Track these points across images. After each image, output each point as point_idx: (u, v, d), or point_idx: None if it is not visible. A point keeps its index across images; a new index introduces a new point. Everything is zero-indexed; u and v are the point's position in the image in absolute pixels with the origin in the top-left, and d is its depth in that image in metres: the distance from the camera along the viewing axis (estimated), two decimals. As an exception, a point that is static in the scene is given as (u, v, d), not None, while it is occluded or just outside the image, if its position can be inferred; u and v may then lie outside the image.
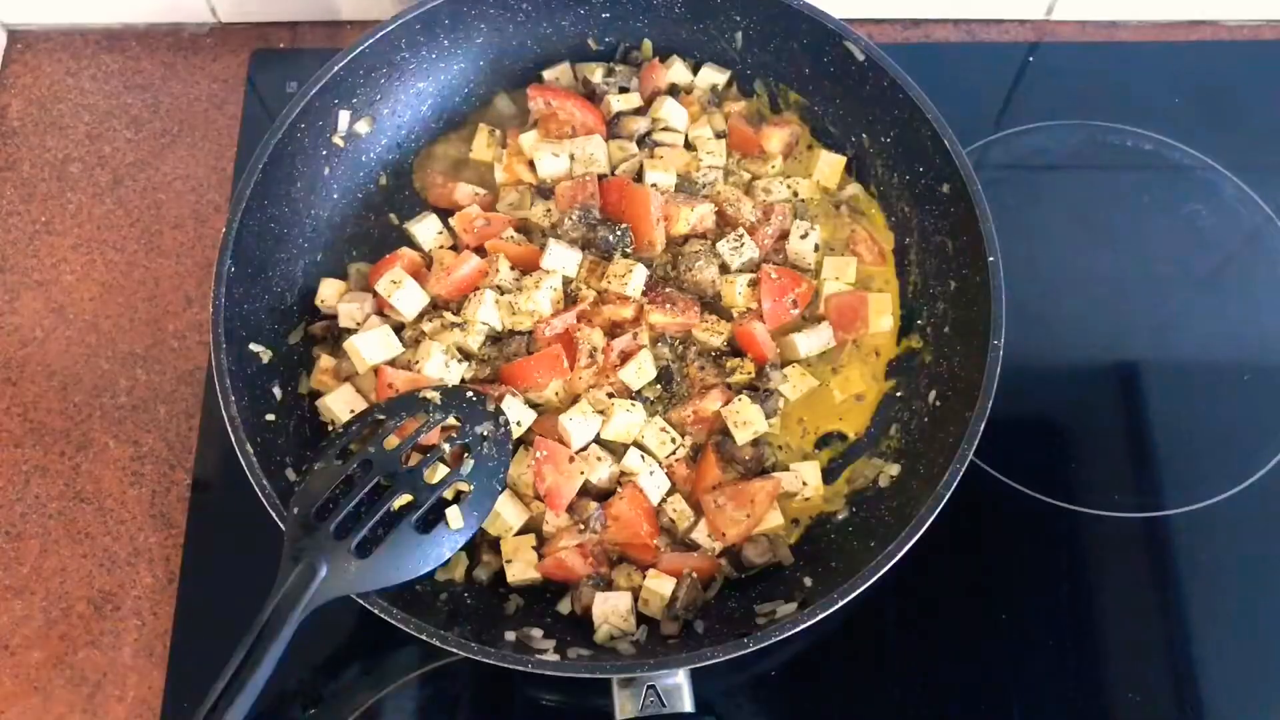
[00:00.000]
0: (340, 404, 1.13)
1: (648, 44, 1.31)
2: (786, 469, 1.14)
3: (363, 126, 1.23)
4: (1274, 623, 1.14)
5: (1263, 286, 1.31)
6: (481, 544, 1.10)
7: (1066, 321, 1.27)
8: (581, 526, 1.08)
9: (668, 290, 1.18)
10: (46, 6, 1.43)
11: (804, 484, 1.12)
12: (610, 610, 1.05)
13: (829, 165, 1.25)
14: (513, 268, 1.18)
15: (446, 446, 1.05)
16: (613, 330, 1.16)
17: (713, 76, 1.30)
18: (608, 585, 1.09)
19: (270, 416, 1.09)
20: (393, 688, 1.10)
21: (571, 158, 1.24)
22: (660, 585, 1.06)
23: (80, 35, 1.46)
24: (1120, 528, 1.18)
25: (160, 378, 1.25)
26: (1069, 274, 1.30)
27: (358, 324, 1.17)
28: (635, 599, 1.07)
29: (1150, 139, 1.38)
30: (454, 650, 0.94)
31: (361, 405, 1.13)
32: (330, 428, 1.14)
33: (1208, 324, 1.29)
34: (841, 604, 0.95)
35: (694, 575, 1.07)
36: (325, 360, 1.16)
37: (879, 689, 1.12)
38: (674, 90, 1.30)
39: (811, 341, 1.18)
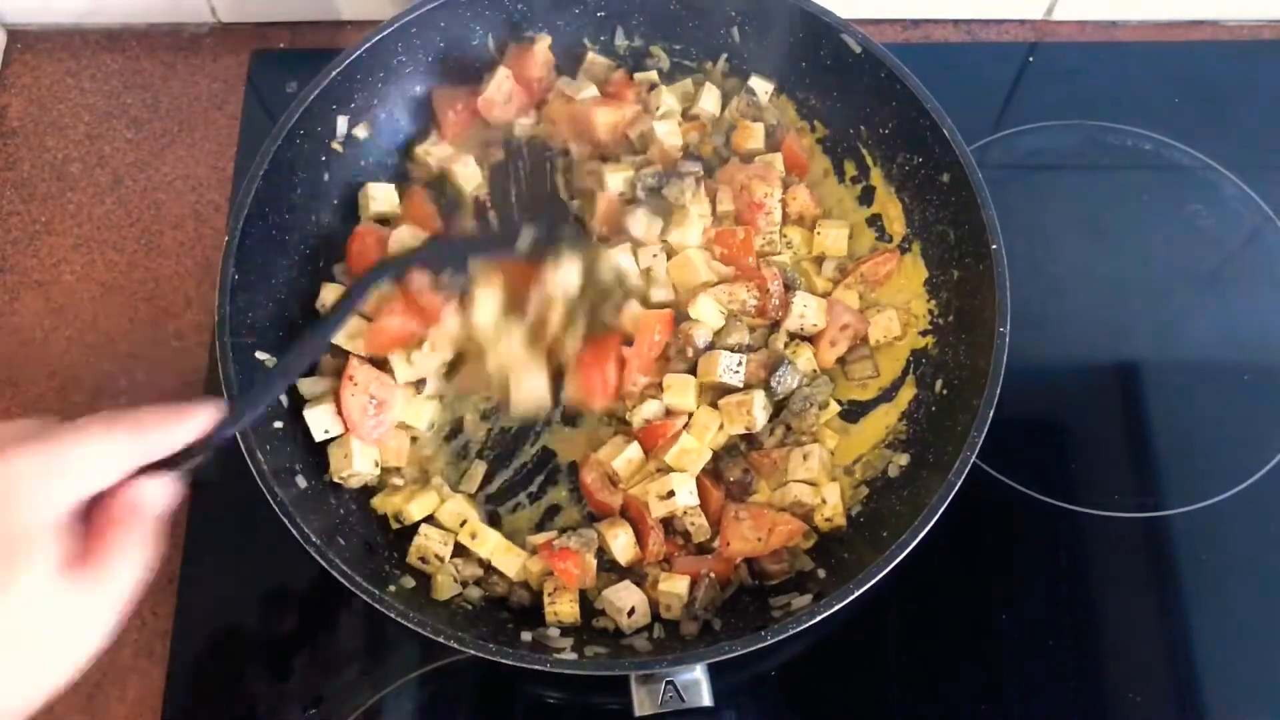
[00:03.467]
0: (320, 420, 1.11)
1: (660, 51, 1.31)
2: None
3: (361, 131, 1.23)
4: (1274, 623, 1.14)
5: (1263, 286, 1.31)
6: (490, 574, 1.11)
7: (1066, 321, 1.27)
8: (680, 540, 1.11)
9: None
10: (46, 6, 1.43)
11: (823, 501, 1.11)
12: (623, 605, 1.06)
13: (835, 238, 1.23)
14: None
15: None
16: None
17: (759, 86, 1.28)
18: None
19: (278, 424, 1.09)
20: (393, 688, 1.10)
21: None
22: (676, 585, 1.06)
23: (80, 35, 1.46)
24: (1120, 528, 1.18)
25: (160, 378, 1.25)
26: (1069, 274, 1.30)
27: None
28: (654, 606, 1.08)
29: (1150, 139, 1.37)
30: (471, 652, 0.94)
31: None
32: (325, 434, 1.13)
33: (1208, 324, 1.29)
34: (857, 594, 0.95)
35: (711, 575, 1.07)
36: (325, 361, 1.16)
37: (878, 689, 1.12)
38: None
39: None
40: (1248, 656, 1.13)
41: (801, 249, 1.24)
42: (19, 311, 1.30)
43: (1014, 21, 1.47)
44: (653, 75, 1.30)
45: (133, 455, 0.68)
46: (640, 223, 1.20)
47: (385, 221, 1.23)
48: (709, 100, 1.28)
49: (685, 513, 1.10)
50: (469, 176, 1.27)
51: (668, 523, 1.11)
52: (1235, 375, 1.26)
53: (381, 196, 1.23)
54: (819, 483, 1.12)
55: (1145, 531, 1.18)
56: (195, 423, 0.73)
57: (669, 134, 1.24)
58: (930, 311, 1.19)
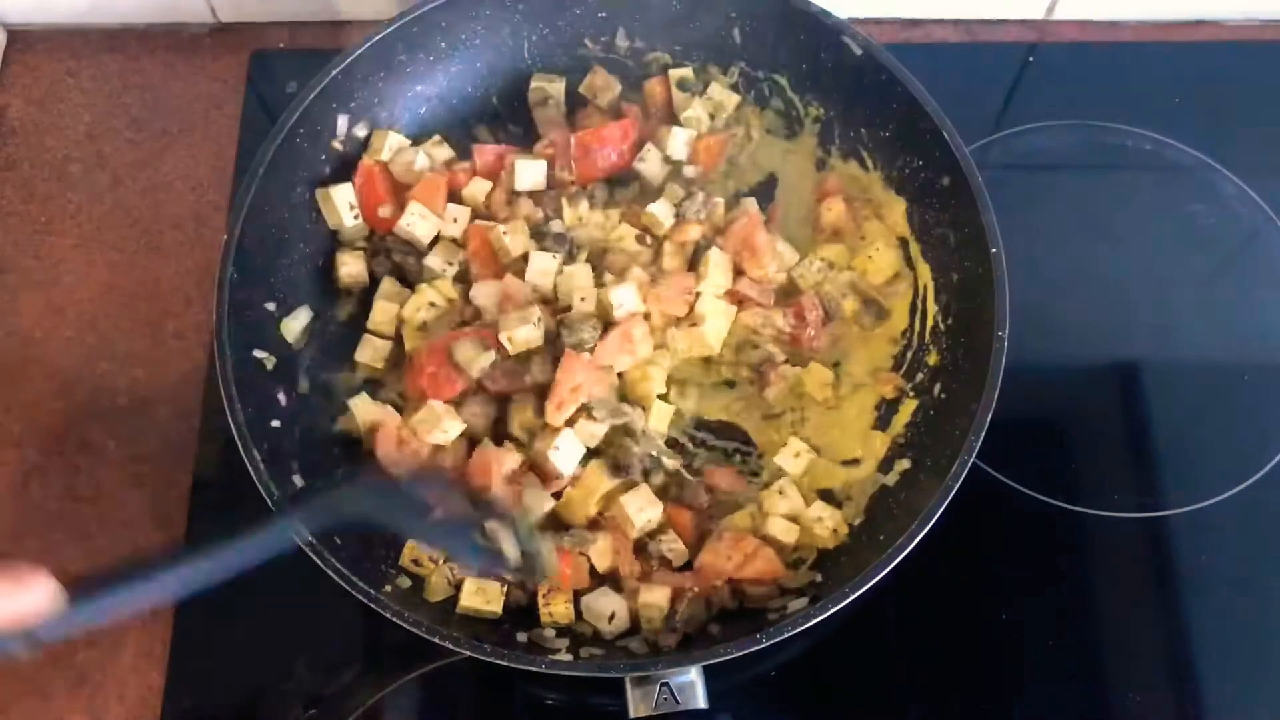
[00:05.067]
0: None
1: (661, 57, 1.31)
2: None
3: (361, 130, 1.23)
4: (1274, 623, 1.14)
5: (1263, 286, 1.31)
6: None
7: (1066, 321, 1.27)
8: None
9: None
10: (46, 6, 1.43)
11: (819, 519, 1.10)
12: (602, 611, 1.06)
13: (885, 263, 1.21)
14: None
15: None
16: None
17: (722, 96, 1.28)
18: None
19: (275, 423, 1.09)
20: (393, 688, 1.10)
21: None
22: (656, 596, 1.05)
23: (80, 35, 1.46)
24: (1120, 528, 1.18)
25: (160, 378, 1.25)
26: (1069, 274, 1.30)
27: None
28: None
29: (1150, 139, 1.37)
30: (466, 652, 0.94)
31: None
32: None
33: (1208, 324, 1.29)
34: (853, 598, 0.95)
35: (694, 591, 1.06)
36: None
37: (878, 690, 1.12)
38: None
39: None
40: (1248, 656, 1.13)
41: (841, 270, 1.22)
42: (19, 311, 1.30)
43: (1014, 21, 1.47)
44: (687, 73, 1.29)
45: None
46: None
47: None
48: (720, 93, 1.28)
49: (660, 539, 1.09)
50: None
51: (642, 546, 1.09)
52: (1235, 375, 1.26)
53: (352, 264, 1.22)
54: (799, 511, 1.10)
55: (1145, 531, 1.18)
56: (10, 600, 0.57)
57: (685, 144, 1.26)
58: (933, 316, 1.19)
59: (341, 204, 1.19)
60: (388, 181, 1.23)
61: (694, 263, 1.20)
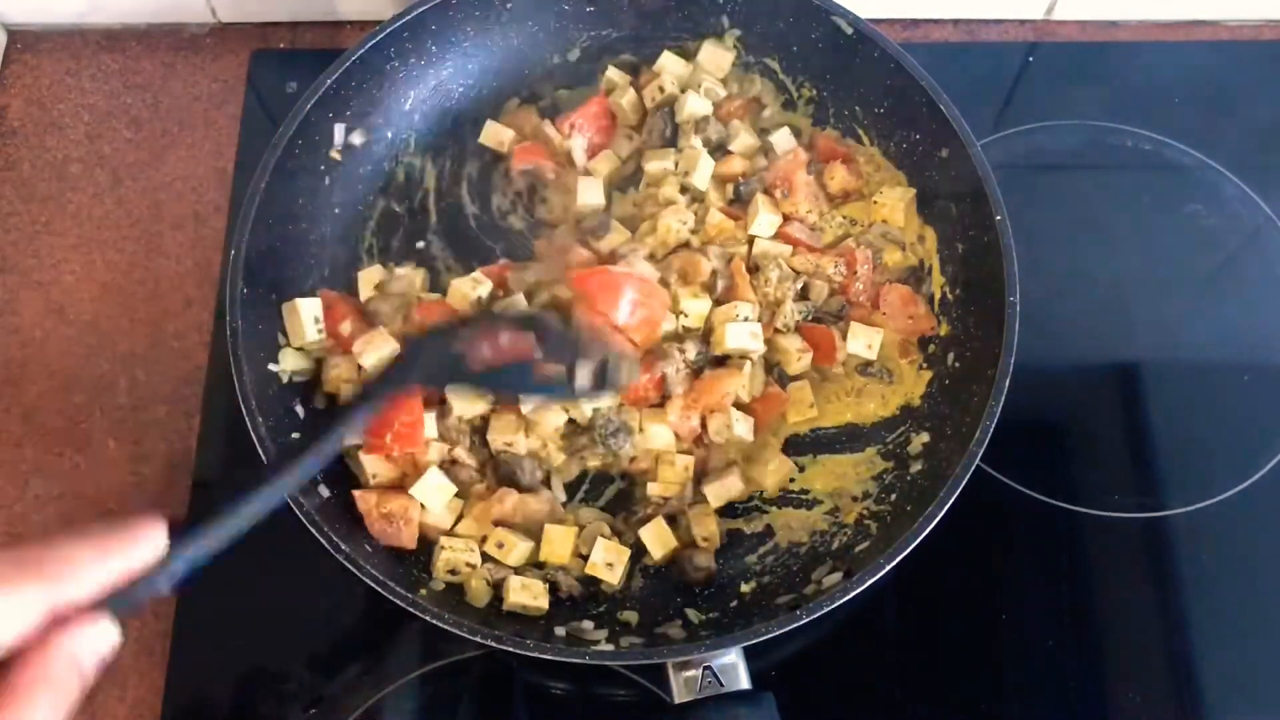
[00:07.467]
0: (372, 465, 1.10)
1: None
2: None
3: (358, 139, 1.23)
4: (1274, 623, 1.14)
5: (1263, 286, 1.31)
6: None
7: (1066, 322, 1.27)
8: None
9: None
10: (46, 6, 1.43)
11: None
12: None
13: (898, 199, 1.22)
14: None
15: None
16: None
17: (717, 57, 1.28)
18: None
19: (296, 435, 1.08)
20: (393, 688, 1.10)
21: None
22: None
23: (80, 35, 1.46)
24: (1120, 528, 1.18)
25: (160, 378, 1.25)
26: (1069, 274, 1.30)
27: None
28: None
29: (1150, 139, 1.37)
30: (509, 649, 0.94)
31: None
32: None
33: (1208, 324, 1.29)
34: (888, 568, 0.95)
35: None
36: (343, 368, 1.13)
37: (877, 690, 1.12)
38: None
39: None
40: (1248, 656, 1.13)
41: (866, 226, 1.24)
42: (19, 311, 1.30)
43: (1014, 21, 1.47)
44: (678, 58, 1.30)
45: (41, 603, 0.55)
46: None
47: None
48: (714, 62, 1.28)
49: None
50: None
51: None
52: (1235, 375, 1.26)
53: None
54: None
55: (1145, 531, 1.18)
56: (125, 556, 0.58)
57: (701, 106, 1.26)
58: (940, 287, 1.19)
59: (307, 317, 1.12)
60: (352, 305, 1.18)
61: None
